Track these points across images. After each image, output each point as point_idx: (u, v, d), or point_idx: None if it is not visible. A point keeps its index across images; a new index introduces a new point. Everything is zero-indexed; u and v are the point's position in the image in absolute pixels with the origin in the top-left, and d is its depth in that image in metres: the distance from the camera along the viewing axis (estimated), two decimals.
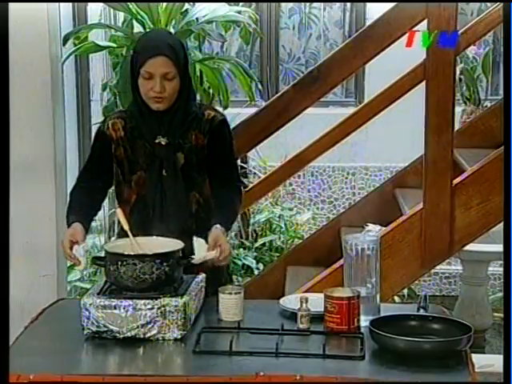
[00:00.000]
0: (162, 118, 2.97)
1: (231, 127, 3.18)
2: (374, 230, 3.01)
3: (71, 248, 2.80)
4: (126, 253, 2.59)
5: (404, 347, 2.32)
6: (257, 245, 5.73)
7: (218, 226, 2.85)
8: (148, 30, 4.80)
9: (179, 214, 2.97)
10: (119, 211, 2.84)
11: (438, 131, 3.51)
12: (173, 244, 2.65)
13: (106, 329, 2.46)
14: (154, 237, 2.76)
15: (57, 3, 3.70)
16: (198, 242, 2.79)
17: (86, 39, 5.04)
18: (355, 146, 6.04)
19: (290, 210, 5.99)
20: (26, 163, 3.52)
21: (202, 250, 2.77)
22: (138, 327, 2.46)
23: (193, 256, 2.73)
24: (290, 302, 2.73)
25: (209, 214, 2.98)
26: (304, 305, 2.56)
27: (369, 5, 6.08)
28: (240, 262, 5.58)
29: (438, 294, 6.22)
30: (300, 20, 6.43)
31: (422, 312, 2.59)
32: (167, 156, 2.97)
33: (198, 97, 5.19)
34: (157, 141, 2.97)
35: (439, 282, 6.27)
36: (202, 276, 2.76)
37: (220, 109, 3.23)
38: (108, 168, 3.04)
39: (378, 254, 2.65)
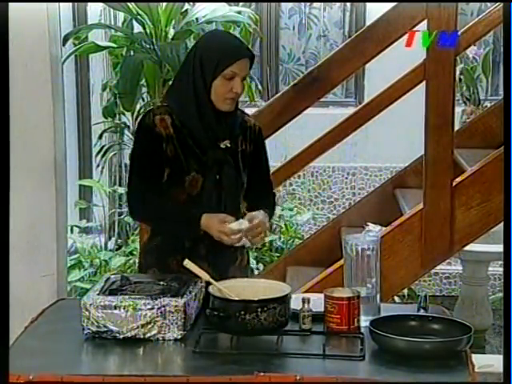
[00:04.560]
0: (225, 120, 2.89)
1: None
2: (374, 230, 3.01)
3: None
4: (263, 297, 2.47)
5: (404, 347, 2.32)
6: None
7: (262, 211, 2.85)
8: (146, 28, 4.81)
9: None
10: (188, 262, 2.63)
11: (438, 131, 3.51)
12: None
13: (105, 329, 2.46)
14: (232, 280, 2.66)
15: (57, 3, 3.70)
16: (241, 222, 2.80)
17: (86, 39, 5.06)
18: (355, 146, 6.04)
19: (290, 210, 5.98)
20: (26, 163, 3.51)
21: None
22: (138, 327, 2.46)
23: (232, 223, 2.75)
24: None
25: None
26: (306, 305, 2.55)
27: (369, 5, 6.07)
28: None
29: (438, 294, 6.22)
30: (300, 20, 6.42)
31: (422, 312, 2.59)
32: (222, 159, 2.89)
33: None
34: (219, 143, 2.88)
35: (439, 282, 6.27)
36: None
37: None
38: (159, 167, 2.88)
39: (377, 254, 2.65)
